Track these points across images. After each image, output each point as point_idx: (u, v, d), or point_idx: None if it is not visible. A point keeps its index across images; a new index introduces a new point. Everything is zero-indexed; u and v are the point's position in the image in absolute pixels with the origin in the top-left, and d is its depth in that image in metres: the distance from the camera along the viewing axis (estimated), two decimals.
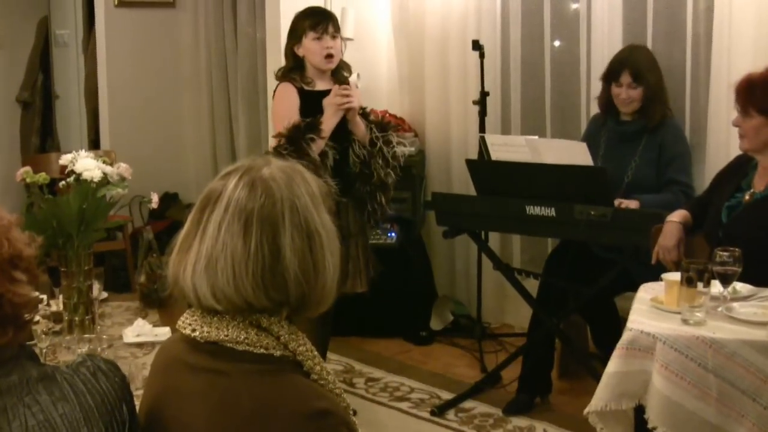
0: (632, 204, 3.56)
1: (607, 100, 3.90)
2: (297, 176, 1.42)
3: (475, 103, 4.44)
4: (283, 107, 3.63)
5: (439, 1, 4.95)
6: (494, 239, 4.65)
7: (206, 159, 6.19)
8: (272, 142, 3.60)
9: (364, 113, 3.71)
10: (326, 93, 3.62)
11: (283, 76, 3.67)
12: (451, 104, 4.96)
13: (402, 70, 5.29)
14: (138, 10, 6.01)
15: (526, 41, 4.74)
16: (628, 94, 3.80)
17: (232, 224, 1.36)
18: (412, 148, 4.83)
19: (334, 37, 3.60)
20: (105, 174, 2.76)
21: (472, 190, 3.95)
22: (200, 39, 6.16)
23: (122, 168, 2.82)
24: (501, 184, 3.64)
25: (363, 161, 3.64)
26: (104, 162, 2.81)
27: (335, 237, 1.44)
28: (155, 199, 2.96)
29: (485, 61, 4.41)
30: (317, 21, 3.60)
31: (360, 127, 3.64)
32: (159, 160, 5.98)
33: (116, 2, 5.93)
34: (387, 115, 5.01)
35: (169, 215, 5.86)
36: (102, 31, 5.93)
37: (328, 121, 3.54)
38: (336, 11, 4.89)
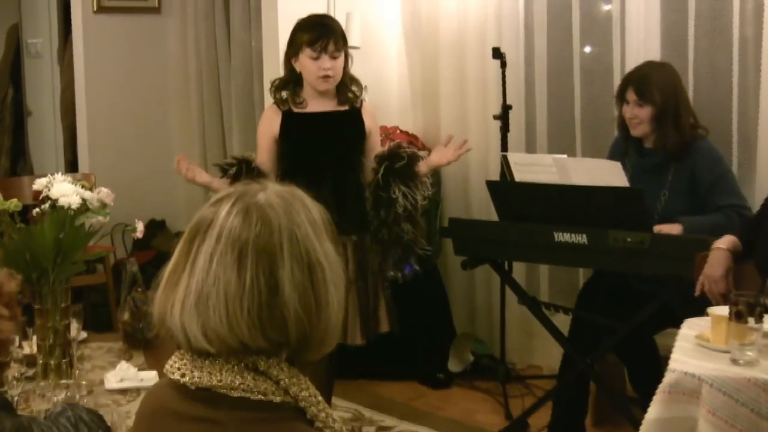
0: (674, 229, 3.55)
1: (623, 124, 3.86)
2: (296, 202, 1.42)
3: (496, 117, 4.45)
4: (258, 134, 3.73)
5: (454, 4, 4.98)
6: (519, 270, 4.65)
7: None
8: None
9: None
10: (321, 116, 3.61)
11: (275, 91, 3.67)
12: (470, 119, 4.98)
13: (414, 81, 5.31)
14: (119, 16, 6.07)
15: (552, 48, 4.76)
16: (633, 113, 3.74)
17: (225, 256, 1.37)
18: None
19: (334, 57, 3.55)
20: (84, 200, 2.77)
21: (493, 215, 3.96)
22: (189, 47, 6.20)
23: (103, 193, 2.84)
24: (526, 209, 3.64)
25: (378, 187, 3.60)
26: (83, 186, 2.82)
27: (339, 269, 1.44)
28: (140, 227, 2.97)
29: (507, 70, 4.43)
30: (316, 37, 3.54)
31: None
32: (144, 184, 6.01)
33: (95, 7, 5.98)
34: (398, 131, 5.04)
35: (156, 245, 5.88)
36: (79, 39, 5.97)
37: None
38: (340, 17, 4.93)
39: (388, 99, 5.31)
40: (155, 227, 6.00)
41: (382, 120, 5.12)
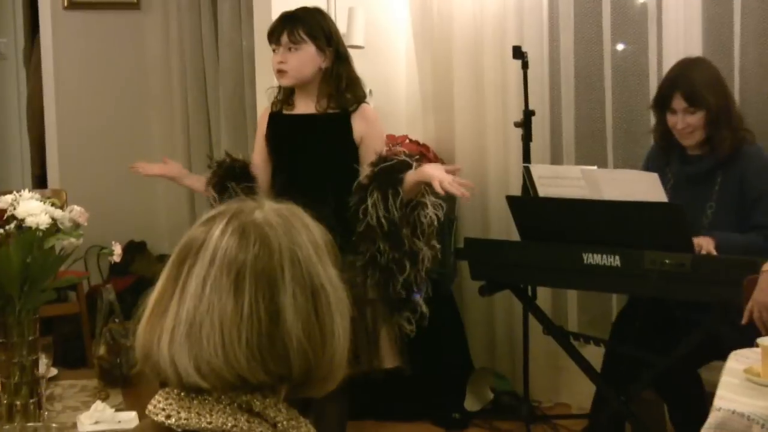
0: (706, 243, 3.51)
1: (663, 133, 3.83)
2: (296, 221, 1.43)
3: (517, 125, 4.46)
4: (256, 137, 3.93)
5: (469, 1, 5.00)
6: (544, 296, 4.64)
7: (181, 199, 6.22)
8: None
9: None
10: (301, 118, 3.74)
11: (278, 92, 3.82)
12: (487, 127, 4.99)
13: (425, 84, 5.33)
14: (93, 13, 6.10)
15: (580, 46, 4.77)
16: (685, 122, 3.70)
17: (220, 280, 1.37)
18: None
19: (289, 49, 3.65)
20: (54, 219, 2.78)
21: (514, 235, 3.96)
22: (172, 48, 6.23)
23: (76, 212, 2.85)
24: (551, 227, 3.65)
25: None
26: (53, 204, 2.83)
27: (345, 296, 1.44)
28: (117, 250, 2.98)
29: (529, 72, 4.44)
30: (272, 29, 3.72)
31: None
32: (122, 202, 6.02)
33: (66, 3, 6.01)
34: (407, 141, 5.05)
35: (135, 270, 5.90)
36: (48, 39, 6.00)
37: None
38: (342, 13, 4.96)
39: (396, 105, 5.32)
40: (134, 250, 6.01)
41: (388, 128, 5.13)
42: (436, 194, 3.62)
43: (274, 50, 3.71)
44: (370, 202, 3.58)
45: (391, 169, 3.62)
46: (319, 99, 3.73)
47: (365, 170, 3.66)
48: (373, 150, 3.69)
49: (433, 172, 3.59)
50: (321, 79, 3.71)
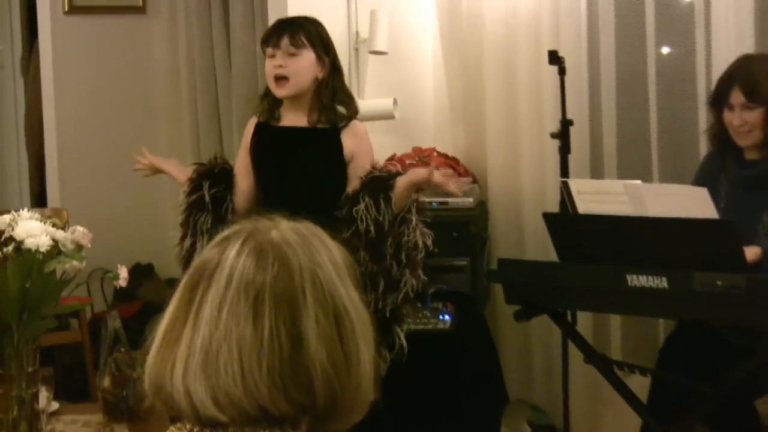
0: (751, 253, 3.50)
1: (720, 133, 3.83)
2: (315, 240, 1.45)
3: (554, 136, 4.45)
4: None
5: (501, 1, 5.01)
6: (585, 321, 4.63)
7: None
8: None
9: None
10: (288, 131, 3.79)
11: (261, 101, 3.89)
12: (521, 138, 4.99)
13: (454, 92, 5.34)
14: (96, 18, 6.14)
15: (622, 50, 4.77)
16: (742, 119, 3.69)
17: (237, 304, 1.38)
18: (470, 199, 4.86)
19: (290, 54, 3.71)
20: (55, 241, 2.79)
21: (552, 255, 3.96)
22: (180, 54, 6.25)
23: (78, 233, 2.86)
24: (592, 247, 3.64)
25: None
26: (54, 225, 2.84)
27: (368, 321, 1.45)
28: (123, 274, 2.99)
29: (567, 78, 4.43)
30: (270, 32, 3.77)
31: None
32: (127, 222, 6.05)
33: (66, 8, 6.05)
34: (434, 154, 5.06)
35: (143, 295, 5.91)
36: (48, 46, 6.03)
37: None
38: (363, 15, 4.99)
39: (423, 114, 5.33)
40: (141, 273, 6.03)
41: (415, 140, 5.15)
42: (423, 215, 3.85)
43: (271, 56, 3.74)
44: (362, 206, 3.68)
45: (380, 178, 3.77)
46: (311, 112, 3.80)
47: (354, 184, 3.79)
48: (362, 168, 3.81)
49: (422, 170, 3.82)
50: (314, 90, 3.79)
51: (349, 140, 3.82)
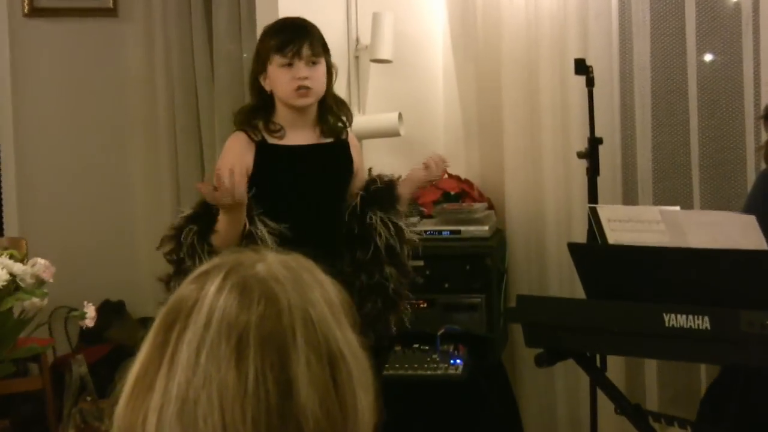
0: None
1: None
2: (306, 275, 1.45)
3: (580, 155, 4.46)
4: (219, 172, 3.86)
5: (521, 3, 5.03)
6: (616, 367, 4.64)
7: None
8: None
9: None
10: (304, 150, 3.82)
11: (241, 121, 3.87)
12: (544, 158, 5.01)
13: (467, 107, 5.35)
14: (61, 22, 6.15)
15: (658, 58, 4.78)
16: None
17: (218, 347, 1.37)
18: (485, 227, 4.87)
19: (312, 63, 3.77)
20: (12, 275, 2.80)
21: (578, 292, 3.96)
22: (157, 63, 6.25)
23: (39, 266, 2.87)
24: (624, 282, 3.65)
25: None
26: (11, 257, 2.85)
27: (367, 367, 1.45)
28: (90, 312, 3.00)
29: (596, 90, 4.44)
30: (286, 39, 3.77)
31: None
32: (95, 253, 6.04)
33: (27, 9, 6.06)
34: (445, 176, 5.07)
35: (112, 337, 5.91)
36: (5, 54, 6.03)
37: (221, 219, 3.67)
38: (364, 19, 5.01)
39: (432, 132, 5.34)
40: (111, 312, 6.03)
41: (422, 160, 5.16)
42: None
43: (287, 65, 3.77)
44: (376, 221, 3.85)
45: (385, 190, 3.92)
46: (317, 125, 3.89)
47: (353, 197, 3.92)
48: (362, 181, 3.98)
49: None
50: (319, 102, 3.87)
51: (354, 153, 3.96)
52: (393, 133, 4.97)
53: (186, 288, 1.44)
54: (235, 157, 3.80)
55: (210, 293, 1.41)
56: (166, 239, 3.75)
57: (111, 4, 6.26)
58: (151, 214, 6.26)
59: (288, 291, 1.41)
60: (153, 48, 6.27)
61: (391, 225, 3.84)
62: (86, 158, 6.16)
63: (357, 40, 5.20)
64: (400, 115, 4.92)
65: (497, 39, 5.13)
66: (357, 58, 5.22)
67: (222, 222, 3.61)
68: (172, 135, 6.25)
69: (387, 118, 5.00)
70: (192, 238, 3.65)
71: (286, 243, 3.62)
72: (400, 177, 4.03)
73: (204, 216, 3.68)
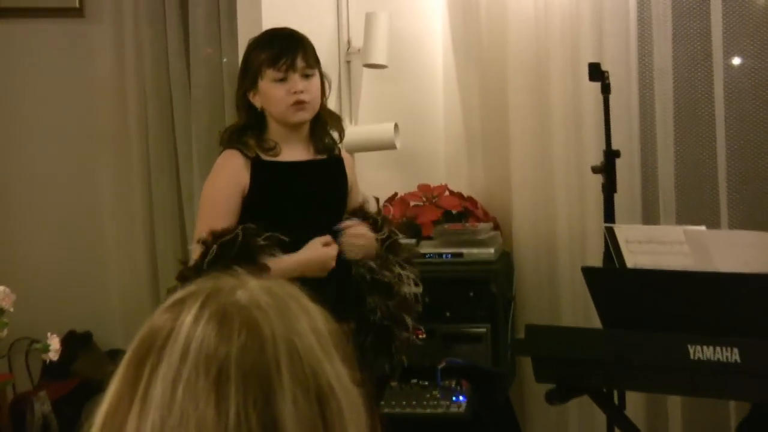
0: None
1: None
2: (292, 303, 1.45)
3: (595, 170, 4.47)
4: (214, 191, 3.91)
5: (530, 1, 5.04)
6: (636, 404, 4.64)
7: (140, 276, 6.21)
8: (194, 252, 3.77)
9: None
10: (302, 167, 3.88)
11: (230, 139, 3.91)
12: (555, 173, 5.02)
13: (470, 116, 5.37)
14: (20, 23, 6.12)
15: (681, 62, 4.79)
16: None
17: (195, 382, 1.37)
18: (490, 250, 4.87)
19: (306, 76, 3.84)
20: None
21: (593, 320, 3.97)
22: (127, 67, 6.22)
23: None
24: (644, 310, 3.65)
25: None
26: None
27: (360, 403, 1.45)
28: (54, 344, 3.01)
29: (612, 98, 4.45)
30: (278, 52, 3.83)
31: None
32: (59, 280, 6.04)
33: None
34: (446, 193, 5.08)
35: (78, 371, 5.90)
36: None
37: (288, 268, 3.68)
38: (357, 20, 5.02)
39: (432, 144, 5.36)
40: (77, 344, 6.02)
41: (424, 175, 5.18)
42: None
43: (281, 79, 3.81)
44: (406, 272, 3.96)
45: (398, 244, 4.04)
46: (310, 140, 3.95)
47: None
48: (355, 200, 4.05)
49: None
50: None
51: (348, 170, 4.03)
52: (388, 146, 4.98)
53: (159, 318, 1.43)
54: (230, 176, 3.85)
55: (186, 323, 1.40)
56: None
57: (77, 4, 6.24)
58: (121, 235, 6.26)
59: (272, 320, 1.41)
60: (123, 51, 6.25)
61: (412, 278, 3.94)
62: (48, 174, 6.14)
63: (348, 42, 5.21)
64: (396, 126, 4.93)
65: (503, 40, 5.15)
66: (348, 62, 5.24)
67: (281, 275, 3.56)
68: (144, 148, 6.22)
69: (382, 129, 5.01)
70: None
71: None
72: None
73: (244, 256, 3.66)
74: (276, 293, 1.45)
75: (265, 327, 1.40)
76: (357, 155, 4.81)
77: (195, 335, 1.39)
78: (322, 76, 3.90)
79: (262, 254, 3.67)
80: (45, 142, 6.17)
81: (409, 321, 3.91)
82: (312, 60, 3.86)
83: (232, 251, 3.63)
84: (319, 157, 3.94)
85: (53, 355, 3.01)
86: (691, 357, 3.55)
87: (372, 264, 3.89)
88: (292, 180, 3.85)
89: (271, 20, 4.55)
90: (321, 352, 1.43)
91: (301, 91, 3.79)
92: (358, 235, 3.89)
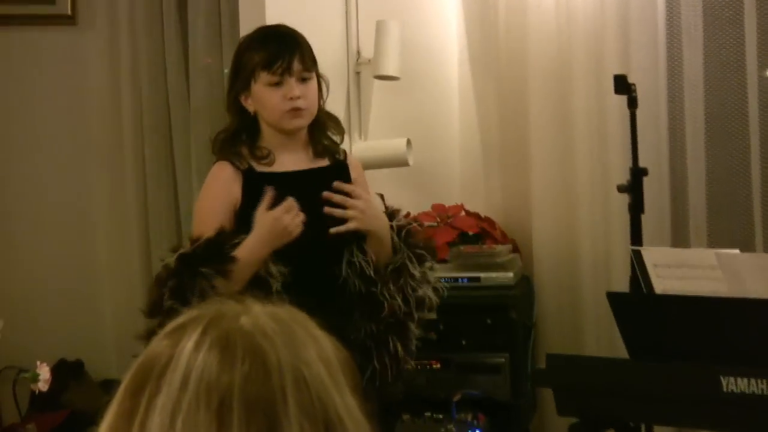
0: None
1: None
2: (299, 329, 1.45)
3: (621, 189, 4.47)
4: (204, 206, 3.88)
5: (551, 8, 5.05)
6: None
7: (136, 300, 6.15)
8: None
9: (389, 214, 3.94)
10: (294, 176, 3.84)
11: (222, 148, 3.88)
12: (578, 192, 5.02)
13: (488, 132, 5.37)
14: (8, 31, 6.14)
15: (713, 73, 4.79)
16: None
17: (196, 413, 1.37)
18: (509, 274, 4.87)
19: (303, 80, 3.79)
20: None
21: (619, 350, 3.97)
22: (122, 78, 6.22)
23: None
24: (673, 339, 3.65)
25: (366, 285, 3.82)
26: None
27: None
28: (44, 374, 3.02)
29: (640, 112, 4.45)
30: (274, 53, 3.79)
31: (385, 248, 3.85)
32: (50, 304, 6.04)
33: None
34: (462, 213, 5.08)
35: (69, 402, 5.91)
36: None
37: (252, 248, 3.66)
38: (367, 28, 5.02)
39: (447, 161, 5.36)
40: (68, 373, 6.02)
41: (438, 194, 5.17)
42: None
43: (276, 83, 3.79)
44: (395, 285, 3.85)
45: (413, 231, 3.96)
46: (310, 147, 3.91)
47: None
48: None
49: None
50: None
51: (355, 174, 3.99)
52: (401, 163, 4.98)
53: (158, 344, 1.44)
54: (220, 190, 3.82)
55: (186, 350, 1.41)
56: (160, 284, 3.69)
57: (68, 11, 6.24)
58: (115, 257, 6.26)
59: (277, 347, 1.41)
60: (118, 61, 6.24)
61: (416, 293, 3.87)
62: (38, 191, 6.14)
63: (358, 53, 5.22)
64: (408, 142, 4.94)
65: (522, 49, 5.15)
66: (358, 74, 5.24)
67: (251, 259, 3.63)
68: (141, 163, 6.21)
69: (393, 145, 5.01)
70: (201, 285, 3.61)
71: (286, 288, 3.66)
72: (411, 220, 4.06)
73: (212, 255, 3.65)
74: (282, 319, 1.46)
75: (270, 354, 1.40)
76: (367, 173, 4.81)
77: (196, 363, 1.40)
78: (319, 77, 3.88)
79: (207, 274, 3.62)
80: (34, 157, 6.17)
81: (399, 347, 3.83)
82: (309, 62, 3.83)
83: (199, 256, 3.63)
84: (320, 163, 3.91)
85: (42, 385, 3.01)
86: (724, 389, 3.54)
87: (370, 272, 3.81)
88: (286, 192, 3.78)
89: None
90: (330, 381, 1.43)
91: (298, 97, 3.76)
92: (355, 195, 3.79)
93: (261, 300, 1.49)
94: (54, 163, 6.21)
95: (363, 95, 5.26)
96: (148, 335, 3.65)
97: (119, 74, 6.23)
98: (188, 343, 1.42)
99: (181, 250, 3.69)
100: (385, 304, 3.78)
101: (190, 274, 3.62)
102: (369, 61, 5.14)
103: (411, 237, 3.90)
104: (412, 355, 3.88)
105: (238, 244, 3.65)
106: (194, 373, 1.39)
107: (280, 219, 3.63)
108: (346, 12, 5.13)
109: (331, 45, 5.02)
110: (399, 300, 3.78)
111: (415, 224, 3.97)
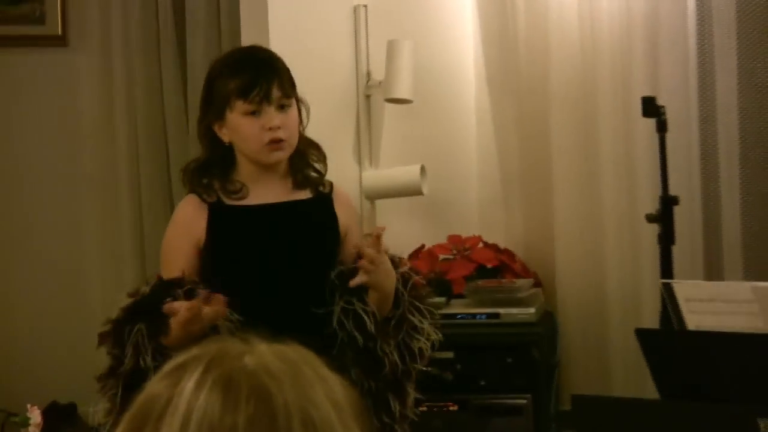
0: None
1: None
2: (307, 369, 1.46)
3: (650, 219, 4.48)
4: (165, 248, 3.85)
5: (574, 26, 5.07)
6: None
7: None
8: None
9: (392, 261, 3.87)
10: (267, 209, 3.78)
11: (192, 179, 3.83)
12: (604, 222, 5.02)
13: (508, 158, 5.37)
14: None
15: (747, 95, 4.80)
16: None
17: None
18: (530, 309, 4.87)
19: (282, 107, 3.71)
20: None
21: (647, 389, 3.97)
22: (116, 102, 6.23)
23: None
24: (707, 378, 3.66)
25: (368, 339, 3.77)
26: None
27: None
28: (35, 417, 3.03)
29: (669, 137, 4.46)
30: (251, 80, 3.70)
31: (388, 305, 3.80)
32: (40, 345, 6.05)
33: None
34: (480, 245, 5.08)
35: None
36: None
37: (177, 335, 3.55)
38: (377, 48, 5.03)
39: (463, 190, 5.36)
40: (59, 417, 6.03)
41: (454, 225, 5.17)
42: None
43: (253, 112, 3.70)
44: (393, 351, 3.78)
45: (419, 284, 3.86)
46: (288, 178, 3.82)
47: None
48: (351, 251, 3.83)
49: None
50: None
51: (342, 210, 3.87)
52: (414, 191, 4.98)
53: (157, 385, 1.44)
54: (181, 228, 3.79)
55: (187, 390, 1.41)
56: (105, 337, 3.71)
57: (59, 31, 6.26)
58: (109, 295, 6.22)
59: (284, 388, 1.41)
60: (112, 84, 6.26)
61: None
62: (26, 227, 6.16)
63: (368, 74, 5.22)
64: (422, 169, 4.94)
65: (544, 71, 5.16)
66: (368, 97, 5.24)
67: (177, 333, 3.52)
68: (137, 194, 6.23)
69: (406, 173, 5.01)
70: (137, 338, 3.59)
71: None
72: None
73: (152, 310, 3.60)
74: (289, 358, 1.46)
75: (276, 395, 1.40)
76: (378, 203, 4.82)
77: (197, 404, 1.40)
78: (298, 102, 3.79)
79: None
80: (21, 183, 6.19)
81: (395, 405, 3.78)
82: (289, 87, 3.73)
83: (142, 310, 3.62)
84: (300, 196, 3.82)
85: (33, 430, 3.02)
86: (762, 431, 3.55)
87: (372, 327, 3.74)
88: (257, 227, 3.77)
89: (279, 48, 4.55)
90: (339, 424, 1.43)
91: (278, 127, 3.67)
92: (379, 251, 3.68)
93: (266, 338, 1.49)
94: (42, 195, 6.21)
95: (373, 120, 5.25)
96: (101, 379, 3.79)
97: (113, 98, 6.24)
98: (189, 383, 1.42)
99: (124, 303, 3.69)
100: (386, 360, 3.75)
101: (129, 328, 3.62)
102: (380, 83, 5.13)
103: (414, 290, 3.85)
104: (412, 412, 3.87)
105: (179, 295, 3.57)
106: (195, 415, 1.39)
107: (180, 324, 3.47)
108: (355, 31, 5.13)
109: (339, 66, 5.03)
110: (396, 357, 3.76)
111: (417, 277, 3.87)
